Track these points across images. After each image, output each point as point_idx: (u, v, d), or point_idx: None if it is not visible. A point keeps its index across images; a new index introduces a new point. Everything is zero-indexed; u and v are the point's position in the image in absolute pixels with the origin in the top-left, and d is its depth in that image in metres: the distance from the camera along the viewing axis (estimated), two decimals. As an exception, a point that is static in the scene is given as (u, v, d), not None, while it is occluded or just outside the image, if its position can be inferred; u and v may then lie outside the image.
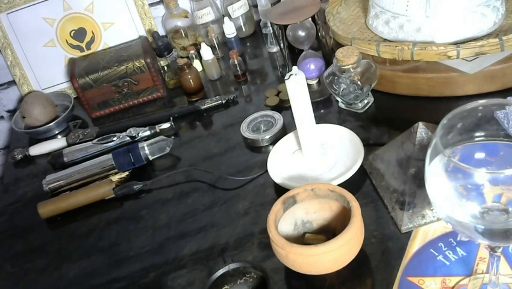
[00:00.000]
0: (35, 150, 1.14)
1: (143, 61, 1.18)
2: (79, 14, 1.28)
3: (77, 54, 1.30)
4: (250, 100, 1.13)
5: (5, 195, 1.08)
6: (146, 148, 1.00)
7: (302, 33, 1.02)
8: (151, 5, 1.32)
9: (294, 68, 0.81)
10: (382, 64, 0.96)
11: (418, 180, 0.72)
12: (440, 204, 0.51)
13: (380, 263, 0.70)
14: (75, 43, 1.29)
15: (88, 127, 1.17)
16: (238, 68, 1.17)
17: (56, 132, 1.21)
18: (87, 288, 0.81)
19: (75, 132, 1.14)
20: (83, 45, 1.30)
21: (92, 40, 1.30)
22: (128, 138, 1.08)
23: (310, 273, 0.68)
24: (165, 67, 1.22)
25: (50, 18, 1.27)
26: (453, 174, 0.48)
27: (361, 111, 0.97)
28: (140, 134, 1.08)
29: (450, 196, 0.50)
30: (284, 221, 0.72)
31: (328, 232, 0.74)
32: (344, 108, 0.99)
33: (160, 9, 1.34)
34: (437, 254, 0.68)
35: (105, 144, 1.07)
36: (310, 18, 1.01)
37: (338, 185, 0.76)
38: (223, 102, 1.11)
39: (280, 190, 0.82)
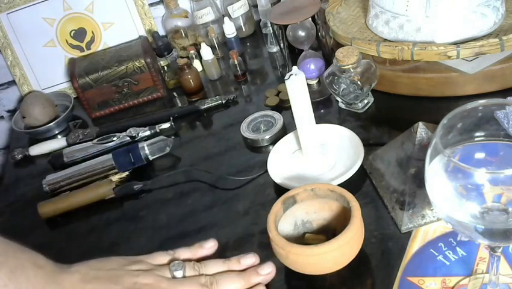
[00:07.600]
0: (35, 150, 1.14)
1: (143, 61, 1.18)
2: (79, 14, 1.28)
3: (77, 54, 1.30)
4: (250, 100, 1.13)
5: (5, 195, 1.08)
6: (146, 148, 0.99)
7: (302, 33, 1.02)
8: (151, 5, 1.32)
9: (294, 68, 0.81)
10: (382, 64, 0.96)
11: (418, 180, 0.72)
12: (440, 204, 0.51)
13: (380, 263, 0.70)
14: (75, 43, 1.29)
15: (88, 127, 1.17)
16: (238, 68, 1.17)
17: (56, 132, 1.21)
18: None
19: (75, 132, 1.14)
20: (83, 45, 1.30)
21: (92, 40, 1.30)
22: (128, 138, 1.07)
23: (310, 273, 0.68)
24: (165, 67, 1.22)
25: (50, 18, 1.27)
26: (453, 174, 0.48)
27: (361, 111, 0.97)
28: (140, 134, 1.07)
29: (450, 196, 0.50)
30: (284, 221, 0.72)
31: (328, 232, 0.74)
32: (344, 108, 0.99)
33: (160, 9, 1.34)
34: (437, 254, 0.68)
35: (105, 144, 1.07)
36: (310, 18, 1.01)
37: (338, 185, 0.76)
38: (223, 102, 1.11)
39: (280, 190, 0.82)
